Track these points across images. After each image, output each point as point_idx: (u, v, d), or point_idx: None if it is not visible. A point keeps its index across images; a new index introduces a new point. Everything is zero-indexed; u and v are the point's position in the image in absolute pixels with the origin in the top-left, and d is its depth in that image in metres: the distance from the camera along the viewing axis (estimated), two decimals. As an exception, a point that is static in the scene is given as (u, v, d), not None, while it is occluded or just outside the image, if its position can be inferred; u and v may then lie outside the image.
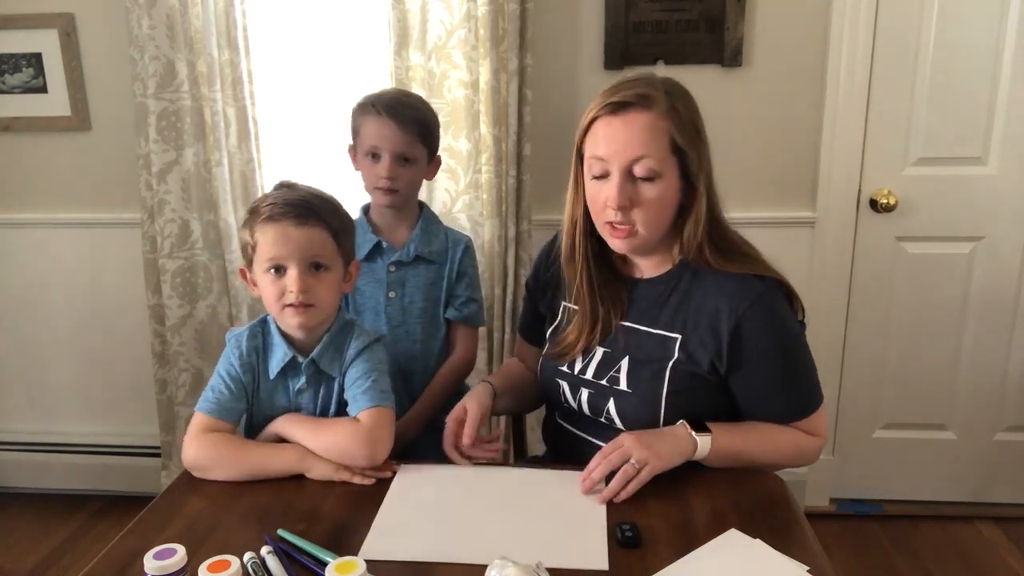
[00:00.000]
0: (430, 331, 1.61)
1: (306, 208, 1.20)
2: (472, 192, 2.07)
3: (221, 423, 1.22)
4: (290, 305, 1.19)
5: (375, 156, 1.51)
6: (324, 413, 1.28)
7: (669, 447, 1.15)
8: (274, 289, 1.19)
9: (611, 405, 1.24)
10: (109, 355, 2.47)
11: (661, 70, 2.06)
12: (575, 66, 2.13)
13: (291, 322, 1.21)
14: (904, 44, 2.09)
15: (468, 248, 1.64)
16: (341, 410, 1.26)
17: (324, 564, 0.89)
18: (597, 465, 1.13)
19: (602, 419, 1.27)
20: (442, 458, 1.38)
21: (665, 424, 1.20)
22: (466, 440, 1.25)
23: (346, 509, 1.11)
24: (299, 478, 1.18)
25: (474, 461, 1.26)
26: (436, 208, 2.03)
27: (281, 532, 1.04)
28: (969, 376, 2.30)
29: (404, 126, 1.49)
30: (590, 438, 1.31)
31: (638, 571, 0.95)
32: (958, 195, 2.18)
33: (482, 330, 1.90)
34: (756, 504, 1.11)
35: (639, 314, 1.26)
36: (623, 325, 1.27)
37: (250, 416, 1.28)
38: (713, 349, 1.19)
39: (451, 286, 1.61)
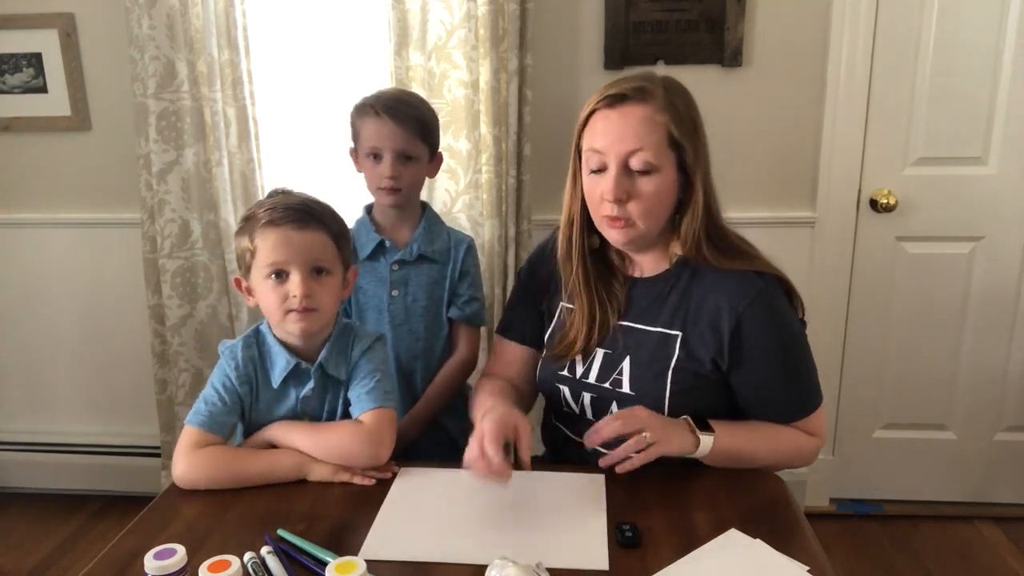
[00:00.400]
0: (433, 330, 1.61)
1: (306, 212, 1.19)
2: (472, 192, 2.07)
3: (212, 436, 1.19)
4: (293, 311, 1.17)
5: (376, 156, 1.51)
6: (331, 417, 1.27)
7: (678, 437, 1.15)
8: (275, 295, 1.18)
9: (615, 408, 1.24)
10: (109, 355, 2.47)
11: (661, 70, 2.06)
12: (575, 66, 2.13)
13: (293, 328, 1.19)
14: (904, 44, 2.09)
15: (471, 248, 1.64)
16: (348, 413, 1.26)
17: (324, 564, 0.89)
18: (608, 424, 1.12)
19: None
20: (443, 458, 1.38)
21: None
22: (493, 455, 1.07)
23: (346, 509, 1.11)
24: (299, 479, 1.18)
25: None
26: (436, 208, 2.02)
27: (281, 532, 1.04)
28: (969, 376, 2.30)
29: (404, 125, 1.49)
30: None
31: (638, 571, 0.95)
32: (958, 195, 2.18)
33: (483, 330, 1.90)
34: (756, 504, 1.12)
35: (638, 313, 1.26)
36: (622, 325, 1.26)
37: (248, 426, 1.26)
38: (714, 347, 1.19)
39: (454, 285, 1.61)
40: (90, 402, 2.53)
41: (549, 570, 0.90)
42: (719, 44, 2.08)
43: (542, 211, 2.12)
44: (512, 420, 1.12)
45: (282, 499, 1.13)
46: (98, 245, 2.38)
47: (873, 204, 2.19)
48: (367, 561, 0.86)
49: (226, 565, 0.86)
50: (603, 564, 0.96)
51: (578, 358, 1.28)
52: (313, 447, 1.19)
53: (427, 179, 1.71)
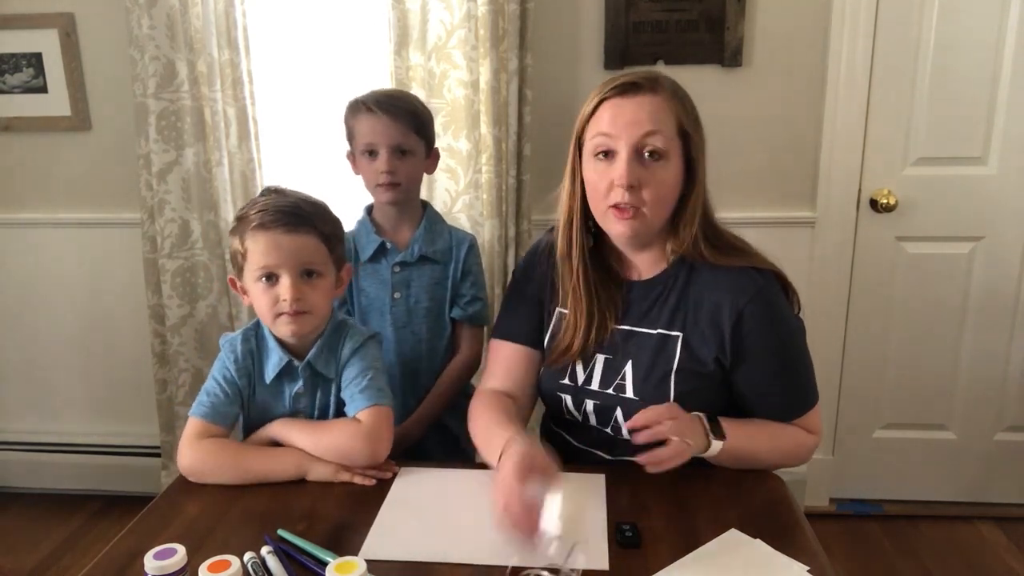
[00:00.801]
0: (436, 331, 1.61)
1: (296, 215, 1.18)
2: (472, 192, 2.07)
3: (216, 427, 1.21)
4: (284, 313, 1.18)
5: (372, 153, 1.51)
6: (323, 415, 1.27)
7: (698, 440, 1.14)
8: (267, 298, 1.18)
9: (619, 413, 1.23)
10: (109, 355, 2.47)
11: (661, 70, 2.04)
12: (575, 66, 2.13)
13: (284, 330, 1.20)
14: (904, 44, 2.09)
15: (472, 247, 1.63)
16: (340, 411, 1.26)
17: (324, 564, 0.89)
18: (651, 419, 1.09)
19: (607, 429, 1.25)
20: (446, 458, 1.38)
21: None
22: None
23: (346, 509, 1.11)
24: (300, 478, 1.18)
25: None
26: (436, 208, 2.02)
27: (281, 532, 1.04)
28: (969, 376, 2.30)
29: (397, 118, 1.48)
30: (589, 448, 1.30)
31: (638, 571, 0.95)
32: (958, 195, 2.18)
33: (484, 330, 1.90)
34: (756, 504, 1.12)
35: (638, 316, 1.25)
36: (621, 329, 1.25)
37: (247, 420, 1.27)
38: (716, 344, 1.19)
39: (456, 285, 1.61)
40: (90, 402, 2.53)
41: (548, 570, 0.90)
42: (719, 44, 2.08)
43: (542, 211, 2.11)
44: (535, 462, 1.03)
45: (282, 499, 1.13)
46: (98, 245, 2.38)
47: (873, 204, 2.19)
48: (367, 561, 0.86)
49: (226, 565, 0.86)
50: (603, 564, 0.96)
51: (578, 366, 1.27)
52: (312, 446, 1.19)
53: (427, 178, 1.71)
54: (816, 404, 1.25)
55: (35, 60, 2.24)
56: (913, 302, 2.27)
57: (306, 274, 1.19)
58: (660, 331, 1.22)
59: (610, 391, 1.24)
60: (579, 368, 1.27)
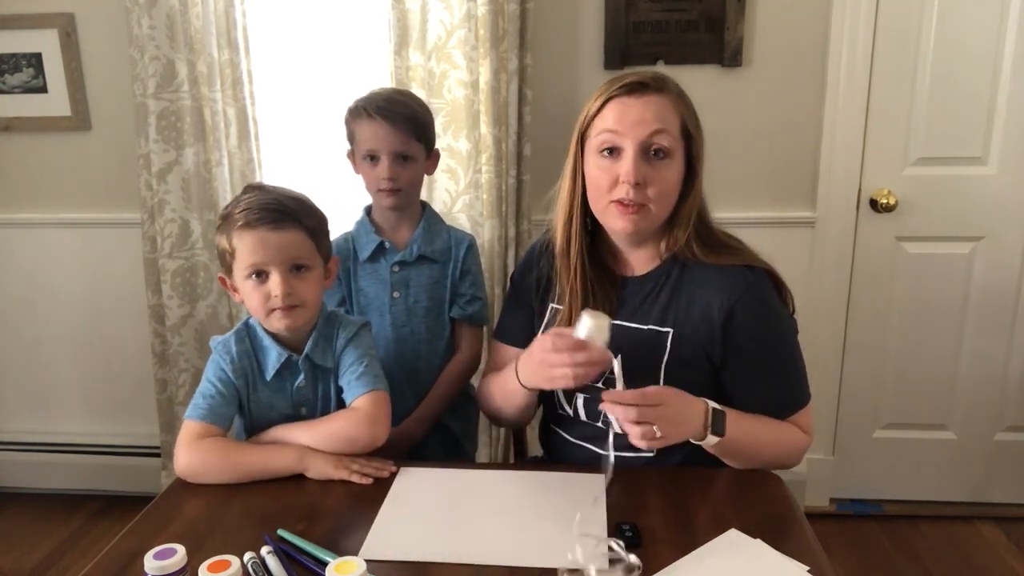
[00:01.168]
0: (435, 330, 1.61)
1: (280, 211, 1.19)
2: (472, 192, 2.07)
3: (214, 428, 1.21)
4: (276, 309, 1.20)
5: (373, 159, 1.51)
6: (326, 404, 1.29)
7: (691, 426, 1.12)
8: (258, 295, 1.20)
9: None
10: (109, 355, 2.47)
11: (661, 70, 2.05)
12: (575, 66, 2.13)
13: (279, 325, 1.22)
14: (904, 44, 2.09)
15: (472, 246, 1.64)
16: (341, 399, 1.28)
17: (324, 564, 0.89)
18: (633, 401, 1.07)
19: (599, 423, 1.26)
20: (447, 458, 1.38)
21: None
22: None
23: (346, 509, 1.11)
24: (299, 478, 1.18)
25: None
26: (436, 208, 2.02)
27: (281, 532, 1.04)
28: (969, 376, 2.30)
29: (398, 125, 1.49)
30: (582, 443, 1.30)
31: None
32: (958, 195, 2.18)
33: (484, 329, 1.90)
34: (756, 504, 1.11)
35: (630, 312, 1.26)
36: (613, 324, 1.26)
37: (249, 421, 1.28)
38: (706, 340, 1.20)
39: (455, 285, 1.61)
40: (90, 402, 2.53)
41: (548, 570, 0.90)
42: (719, 44, 2.08)
43: (542, 211, 2.10)
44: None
45: (282, 498, 1.13)
46: (98, 245, 2.38)
47: (873, 204, 2.19)
48: (367, 561, 0.86)
49: (226, 565, 0.86)
50: (603, 564, 0.96)
51: None
52: (313, 438, 1.20)
53: (427, 178, 1.71)
54: (808, 404, 1.25)
55: (35, 60, 2.24)
56: (913, 302, 2.27)
57: (295, 268, 1.21)
58: (651, 327, 1.24)
59: (599, 384, 1.25)
60: None
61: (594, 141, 1.20)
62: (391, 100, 1.53)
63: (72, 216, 2.36)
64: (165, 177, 2.13)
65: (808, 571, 0.94)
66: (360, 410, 1.22)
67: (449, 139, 2.03)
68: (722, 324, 1.19)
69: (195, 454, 1.18)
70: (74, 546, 2.28)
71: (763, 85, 2.12)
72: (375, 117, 1.48)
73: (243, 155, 2.15)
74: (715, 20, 2.07)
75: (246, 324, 1.28)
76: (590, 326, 1.08)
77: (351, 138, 1.56)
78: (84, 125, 2.28)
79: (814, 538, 1.03)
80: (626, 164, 1.16)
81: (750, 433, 1.19)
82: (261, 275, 1.20)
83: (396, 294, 1.57)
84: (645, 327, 1.24)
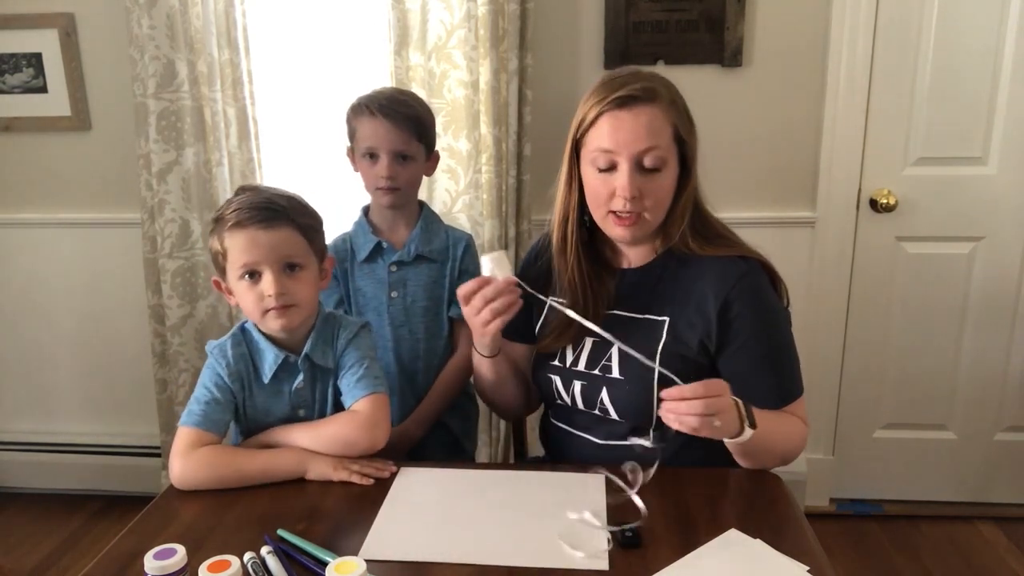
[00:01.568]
0: (433, 330, 1.61)
1: (272, 210, 1.18)
2: (472, 192, 2.07)
3: (210, 435, 1.19)
4: (271, 309, 1.18)
5: (373, 157, 1.51)
6: (323, 406, 1.28)
7: (733, 427, 1.10)
8: (252, 295, 1.18)
9: (604, 394, 1.25)
10: (109, 355, 2.47)
11: (661, 70, 2.06)
12: (575, 66, 2.13)
13: (274, 325, 1.20)
14: (904, 44, 2.09)
15: (469, 246, 1.64)
16: (339, 402, 1.27)
17: (324, 564, 0.89)
18: (696, 396, 1.04)
19: (596, 411, 1.27)
20: (447, 458, 1.38)
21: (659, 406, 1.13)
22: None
23: (346, 509, 1.11)
24: (299, 478, 1.18)
25: None
26: (436, 208, 2.02)
27: (281, 532, 1.04)
28: (969, 376, 2.30)
29: (399, 124, 1.48)
30: (584, 434, 1.31)
31: (638, 571, 0.95)
32: (958, 195, 2.18)
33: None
34: (756, 504, 1.12)
35: (627, 303, 1.28)
36: (611, 314, 1.28)
37: (245, 425, 1.27)
38: (702, 330, 1.21)
39: (454, 284, 1.60)
40: (90, 402, 2.53)
41: (547, 571, 0.90)
42: (719, 44, 2.08)
43: (542, 211, 2.11)
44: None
45: (282, 499, 1.13)
46: (98, 245, 2.38)
47: (873, 204, 2.19)
48: (367, 561, 0.86)
49: (226, 565, 0.86)
50: (603, 564, 0.96)
51: (568, 349, 1.31)
52: (312, 440, 1.20)
53: (425, 178, 1.71)
54: (802, 395, 1.26)
55: (35, 60, 2.24)
56: (913, 302, 2.27)
57: (288, 268, 1.19)
58: (648, 316, 1.26)
59: (596, 371, 1.27)
60: (568, 351, 1.31)
61: (588, 156, 1.21)
62: (393, 99, 1.53)
63: (72, 216, 2.36)
64: (165, 177, 2.13)
65: (808, 571, 0.94)
66: (360, 413, 1.21)
67: (449, 139, 2.03)
68: (717, 313, 1.20)
69: (190, 463, 1.16)
70: (74, 546, 2.28)
71: (763, 85, 2.12)
72: (377, 115, 1.48)
73: (243, 155, 2.15)
74: (715, 20, 2.07)
75: (242, 328, 1.27)
76: (488, 261, 1.18)
77: (351, 135, 1.56)
78: (84, 125, 2.28)
79: (814, 538, 1.03)
80: (621, 179, 1.17)
81: (768, 428, 1.19)
82: (254, 275, 1.18)
83: (394, 294, 1.57)
84: (641, 317, 1.26)
